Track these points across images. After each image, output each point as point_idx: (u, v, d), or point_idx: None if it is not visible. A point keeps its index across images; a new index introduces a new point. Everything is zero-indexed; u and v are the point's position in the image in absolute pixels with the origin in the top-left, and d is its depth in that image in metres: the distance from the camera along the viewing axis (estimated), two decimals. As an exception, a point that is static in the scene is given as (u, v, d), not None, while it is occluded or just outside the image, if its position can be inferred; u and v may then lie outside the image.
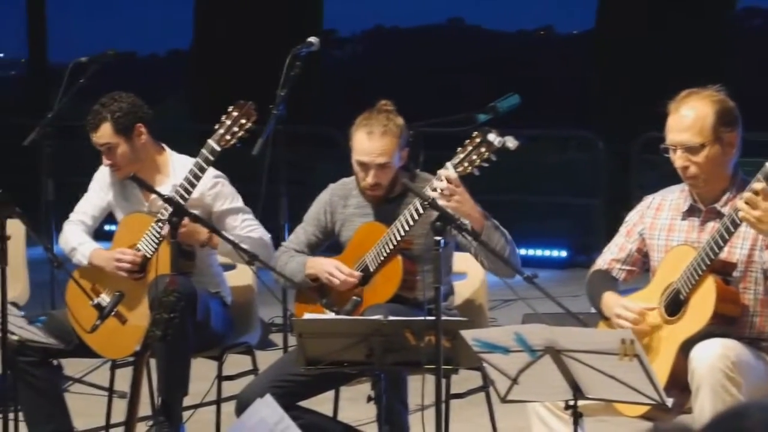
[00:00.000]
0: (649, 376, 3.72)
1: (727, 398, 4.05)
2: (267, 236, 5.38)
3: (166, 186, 5.24)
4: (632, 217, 4.62)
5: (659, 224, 4.52)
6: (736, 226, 4.17)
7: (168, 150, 5.45)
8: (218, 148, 5.12)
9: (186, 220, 4.85)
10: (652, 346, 4.30)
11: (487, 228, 4.71)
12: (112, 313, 5.25)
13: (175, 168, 5.37)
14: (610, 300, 4.44)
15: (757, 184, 4.07)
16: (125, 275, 5.25)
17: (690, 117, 4.32)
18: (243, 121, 5.11)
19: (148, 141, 5.35)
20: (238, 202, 5.38)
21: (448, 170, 4.71)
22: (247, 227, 5.34)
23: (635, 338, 3.71)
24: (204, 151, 5.13)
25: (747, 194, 4.08)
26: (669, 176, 4.58)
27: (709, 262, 4.22)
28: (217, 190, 5.33)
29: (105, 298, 5.29)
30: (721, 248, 4.21)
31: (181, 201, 4.99)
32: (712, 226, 4.34)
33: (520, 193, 12.43)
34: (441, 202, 4.57)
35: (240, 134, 5.12)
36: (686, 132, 4.32)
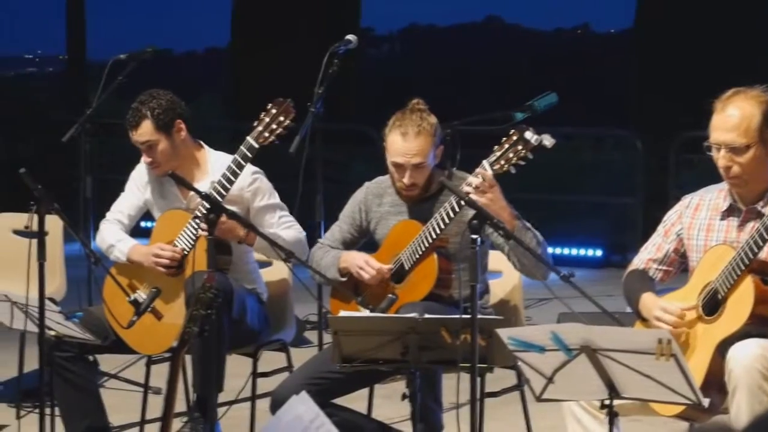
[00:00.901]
0: (686, 376, 3.70)
1: (764, 399, 4.02)
2: (303, 233, 5.39)
3: (204, 183, 5.26)
4: (670, 217, 4.60)
5: (697, 224, 4.49)
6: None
7: (206, 147, 5.47)
8: (256, 146, 5.13)
9: (224, 217, 4.88)
10: (689, 346, 4.28)
11: (518, 229, 4.70)
12: (149, 310, 5.27)
13: (212, 165, 5.38)
14: (649, 301, 4.42)
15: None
16: (163, 271, 5.27)
17: (736, 117, 4.29)
18: (282, 118, 5.12)
19: (186, 137, 5.37)
20: (276, 198, 5.39)
21: (486, 169, 4.71)
22: (284, 224, 5.36)
23: (672, 338, 3.69)
24: (242, 148, 5.14)
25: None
26: (707, 176, 4.55)
27: (747, 262, 4.20)
28: (255, 186, 5.34)
29: (141, 295, 5.32)
30: (760, 248, 4.19)
31: (218, 198, 5.00)
32: (752, 226, 4.32)
33: (557, 192, 12.42)
34: (473, 197, 4.58)
35: (278, 132, 5.13)
36: (732, 132, 4.29)
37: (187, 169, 5.35)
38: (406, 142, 4.90)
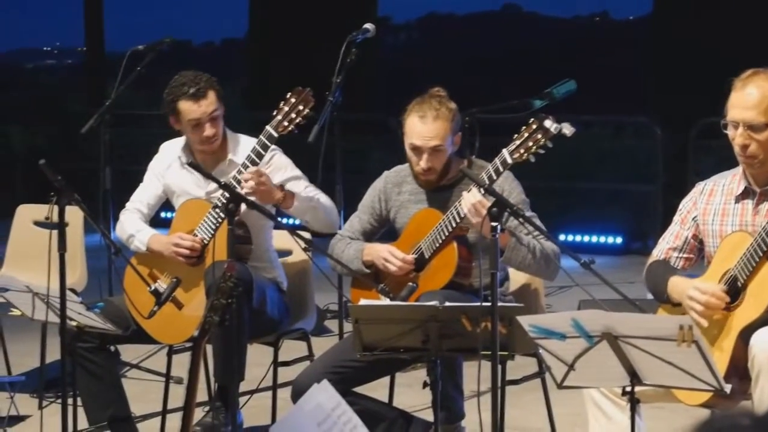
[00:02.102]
0: (708, 363, 3.69)
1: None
2: (331, 202, 5.42)
3: (225, 162, 5.35)
4: (685, 205, 4.59)
5: (712, 209, 4.48)
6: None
7: (227, 128, 5.50)
8: (276, 135, 5.14)
9: (264, 177, 4.96)
10: (712, 333, 4.26)
11: (509, 248, 4.72)
12: (169, 299, 5.29)
13: (232, 145, 5.41)
14: (680, 283, 4.38)
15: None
16: (183, 260, 5.28)
17: (756, 95, 4.27)
18: (301, 107, 5.12)
19: None
20: (298, 171, 5.40)
21: (505, 158, 4.70)
22: (311, 192, 5.37)
23: (694, 324, 3.68)
24: (261, 137, 5.15)
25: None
26: (726, 162, 4.53)
27: (765, 248, 4.18)
28: (274, 162, 5.33)
29: (162, 285, 5.33)
30: (777, 233, 4.17)
31: (237, 186, 5.02)
32: (767, 208, 4.30)
33: (576, 179, 12.39)
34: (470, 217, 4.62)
35: (298, 121, 5.13)
36: (752, 110, 4.27)
37: (216, 149, 5.37)
38: (424, 125, 4.89)
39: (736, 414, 1.47)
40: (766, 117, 4.26)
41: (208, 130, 5.35)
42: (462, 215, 4.81)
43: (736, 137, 4.30)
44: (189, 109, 5.32)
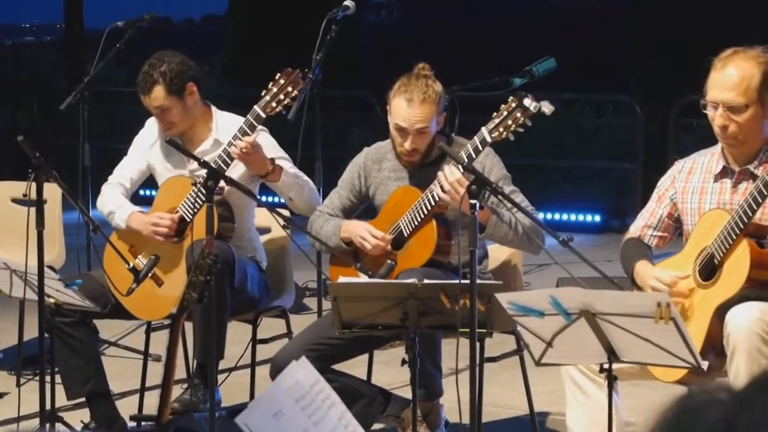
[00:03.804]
0: (685, 340, 3.70)
1: (762, 361, 4.03)
2: (314, 185, 5.43)
3: (209, 141, 5.34)
4: (664, 182, 4.60)
5: (691, 187, 4.49)
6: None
7: (213, 107, 5.49)
8: (263, 115, 5.14)
9: (257, 148, 5.00)
10: (688, 311, 4.28)
11: (491, 224, 4.72)
12: (149, 276, 5.28)
13: (218, 124, 5.40)
14: (643, 270, 4.41)
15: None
16: (162, 240, 5.27)
17: (736, 76, 4.27)
18: (290, 88, 5.13)
19: (198, 99, 5.39)
20: (282, 152, 5.40)
21: (484, 136, 4.70)
22: (296, 172, 5.37)
23: (671, 301, 3.70)
24: (249, 117, 5.15)
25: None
26: (706, 140, 4.54)
27: (742, 226, 4.19)
28: (260, 141, 5.33)
29: (141, 262, 5.32)
30: (754, 211, 4.18)
31: (224, 166, 5.03)
32: (745, 187, 4.31)
33: (556, 157, 12.41)
34: (444, 197, 4.61)
35: (286, 102, 5.15)
36: (731, 91, 4.26)
37: (196, 128, 5.37)
38: (410, 107, 4.89)
39: (714, 389, 1.47)
40: (746, 98, 4.26)
41: (159, 121, 5.40)
42: (441, 194, 4.81)
43: (716, 118, 4.30)
44: (142, 99, 5.36)
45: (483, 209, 4.65)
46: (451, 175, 4.66)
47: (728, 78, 4.27)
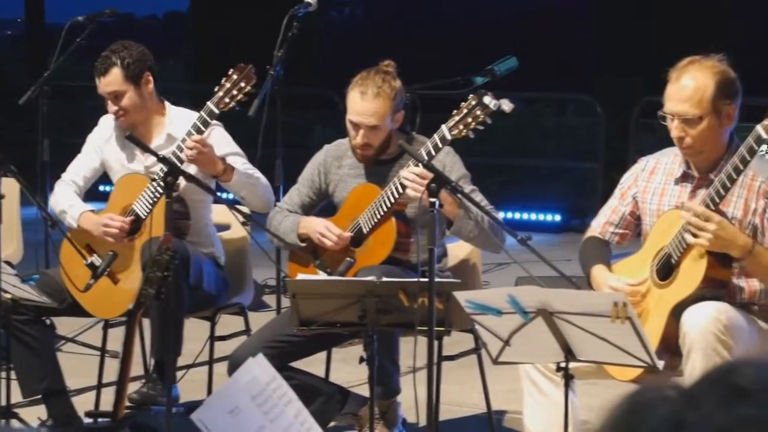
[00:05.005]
0: (641, 339, 3.72)
1: (718, 361, 4.05)
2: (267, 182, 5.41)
3: (162, 136, 5.29)
4: (626, 180, 4.61)
5: (652, 188, 4.51)
6: (726, 188, 4.15)
7: (167, 102, 5.46)
8: (217, 111, 5.11)
9: (207, 148, 4.96)
10: (644, 311, 4.30)
11: (458, 218, 4.71)
12: (105, 273, 5.25)
13: (172, 119, 5.37)
14: (598, 276, 4.43)
15: (697, 208, 4.11)
16: (113, 241, 5.24)
17: (690, 87, 4.27)
18: (243, 84, 5.10)
19: (153, 91, 5.36)
20: (236, 147, 5.38)
21: (444, 133, 4.70)
22: (249, 169, 5.34)
23: (628, 301, 3.71)
24: (202, 113, 5.12)
25: (693, 220, 4.10)
26: (667, 141, 4.55)
27: (698, 228, 4.21)
28: (213, 136, 5.30)
29: (98, 258, 5.29)
30: (711, 212, 4.20)
31: (177, 162, 5.00)
32: (704, 193, 4.33)
33: (517, 156, 12.44)
34: (410, 192, 4.59)
35: (239, 97, 5.12)
36: (685, 103, 4.27)
37: (149, 123, 5.34)
38: (363, 101, 4.88)
39: (663, 386, 1.48)
40: (700, 109, 4.26)
41: (111, 107, 5.35)
42: (400, 192, 4.81)
43: (672, 129, 4.32)
44: (97, 83, 5.31)
45: (452, 203, 4.64)
46: (413, 170, 4.65)
47: (682, 90, 4.28)
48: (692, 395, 1.45)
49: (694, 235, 4.15)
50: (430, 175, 4.40)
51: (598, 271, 4.44)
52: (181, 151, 5.09)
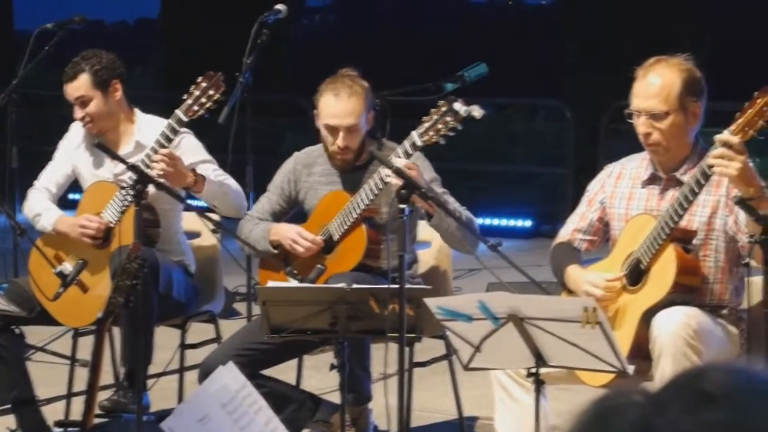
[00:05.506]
0: (611, 344, 3.73)
1: (687, 365, 4.06)
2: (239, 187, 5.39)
3: (131, 144, 5.27)
4: (593, 187, 4.63)
5: (619, 193, 4.52)
6: (695, 194, 4.18)
7: (136, 110, 5.45)
8: (185, 119, 5.10)
9: (176, 160, 4.94)
10: (615, 316, 4.31)
11: (438, 212, 4.71)
12: (75, 282, 5.23)
13: (141, 127, 5.36)
14: (574, 275, 4.44)
15: (733, 138, 4.00)
16: (90, 242, 5.22)
17: (657, 84, 4.32)
18: (211, 92, 5.09)
19: (122, 99, 5.35)
20: (207, 155, 5.36)
21: (414, 140, 4.70)
22: (220, 176, 5.33)
23: (598, 306, 3.72)
24: (170, 121, 5.11)
25: (720, 150, 4.01)
26: (637, 146, 4.58)
27: (669, 231, 4.23)
28: (183, 145, 5.28)
29: (68, 267, 5.27)
30: (680, 216, 4.22)
31: (145, 170, 4.97)
32: (672, 194, 4.35)
33: (488, 162, 12.45)
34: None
35: (208, 105, 5.10)
36: (652, 99, 4.31)
37: (118, 130, 5.33)
38: (339, 102, 4.87)
39: (630, 391, 1.48)
40: (667, 105, 4.30)
41: (77, 113, 5.33)
42: (371, 198, 4.81)
43: (639, 126, 4.35)
44: (65, 88, 5.30)
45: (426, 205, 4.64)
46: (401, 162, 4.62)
47: (650, 86, 4.32)
48: (659, 400, 1.45)
49: (722, 166, 4.02)
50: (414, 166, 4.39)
51: (574, 270, 4.45)
52: (150, 159, 5.07)
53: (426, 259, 5.27)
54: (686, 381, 1.47)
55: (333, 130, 4.92)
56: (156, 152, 5.05)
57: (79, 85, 5.27)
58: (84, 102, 5.29)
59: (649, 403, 1.45)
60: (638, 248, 4.30)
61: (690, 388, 1.45)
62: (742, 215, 4.14)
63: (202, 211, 4.84)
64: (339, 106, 4.87)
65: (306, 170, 5.12)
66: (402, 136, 4.86)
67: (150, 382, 5.22)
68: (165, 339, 5.40)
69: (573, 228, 4.63)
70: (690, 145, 4.39)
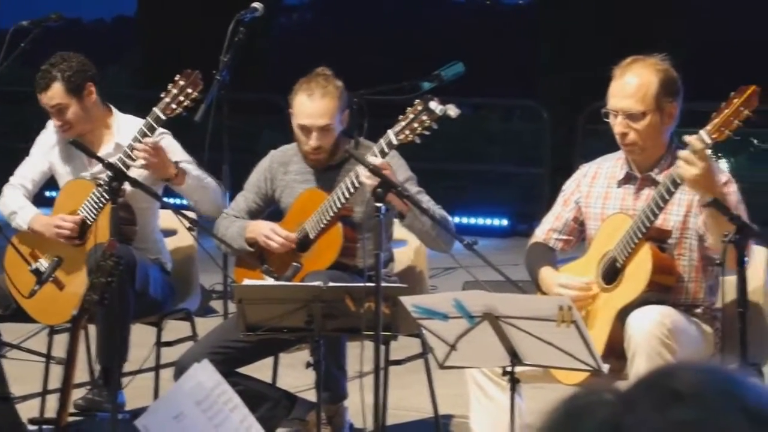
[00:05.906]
0: (586, 343, 3.75)
1: (661, 364, 4.08)
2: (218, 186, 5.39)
3: (110, 144, 5.26)
4: (569, 186, 4.64)
5: (595, 192, 4.54)
6: (671, 193, 4.20)
7: (114, 109, 5.43)
8: (163, 117, 5.09)
9: (160, 151, 4.93)
10: (590, 314, 4.32)
11: (409, 215, 4.72)
12: (50, 279, 5.22)
13: (119, 126, 5.35)
14: (547, 277, 4.45)
15: (698, 143, 4.05)
16: (65, 242, 5.21)
17: (634, 84, 4.33)
18: (189, 90, 5.09)
19: (97, 100, 5.33)
20: (186, 155, 5.36)
21: (390, 138, 4.71)
22: (200, 175, 5.33)
23: (573, 305, 3.73)
24: (149, 119, 5.10)
25: (685, 153, 4.07)
26: (613, 146, 4.59)
27: (644, 230, 4.25)
28: (164, 145, 5.28)
29: (43, 264, 5.26)
30: (656, 216, 4.24)
31: (123, 168, 4.97)
32: (647, 193, 4.37)
33: (464, 161, 12.47)
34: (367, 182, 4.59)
35: (186, 103, 5.10)
36: (629, 99, 4.33)
37: (96, 131, 5.31)
38: (312, 102, 4.88)
39: (601, 389, 1.49)
40: (644, 105, 4.32)
41: (55, 120, 5.32)
42: (347, 196, 4.81)
43: (616, 126, 4.36)
44: (39, 98, 5.30)
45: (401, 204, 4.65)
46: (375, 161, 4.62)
47: (627, 86, 4.33)
48: (629, 399, 1.46)
49: (682, 168, 4.08)
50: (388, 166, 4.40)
51: (546, 272, 4.47)
52: (128, 156, 5.06)
53: (402, 257, 5.27)
54: (656, 379, 1.48)
55: (306, 129, 4.93)
56: (139, 141, 5.04)
57: (53, 95, 5.25)
58: (60, 110, 5.27)
59: (619, 401, 1.46)
60: (614, 247, 4.31)
61: (660, 387, 1.46)
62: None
63: (178, 209, 4.83)
64: (312, 106, 4.87)
65: (282, 168, 5.12)
66: (378, 134, 4.87)
67: (125, 380, 5.21)
68: (141, 337, 5.39)
69: (548, 228, 4.64)
70: (665, 145, 4.41)
